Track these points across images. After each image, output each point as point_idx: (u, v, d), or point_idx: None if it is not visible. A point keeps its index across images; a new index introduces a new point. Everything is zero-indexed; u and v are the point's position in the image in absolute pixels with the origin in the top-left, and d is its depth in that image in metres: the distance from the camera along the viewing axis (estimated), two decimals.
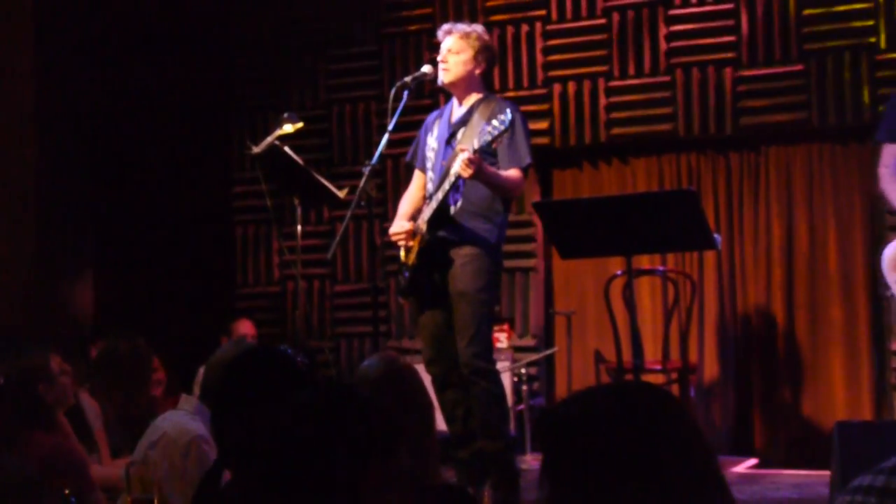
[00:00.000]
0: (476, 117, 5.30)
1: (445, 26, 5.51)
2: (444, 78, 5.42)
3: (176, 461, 3.43)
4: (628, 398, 1.76)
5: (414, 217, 5.47)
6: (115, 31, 8.12)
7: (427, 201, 5.41)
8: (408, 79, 5.51)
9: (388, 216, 7.21)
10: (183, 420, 3.48)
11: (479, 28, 5.51)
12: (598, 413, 1.72)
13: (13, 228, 7.45)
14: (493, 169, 5.18)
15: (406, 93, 5.45)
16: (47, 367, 4.00)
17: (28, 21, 7.50)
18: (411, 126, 6.09)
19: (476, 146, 5.00)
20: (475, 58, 5.40)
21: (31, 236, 7.49)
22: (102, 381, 5.09)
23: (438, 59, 5.44)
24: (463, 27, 5.46)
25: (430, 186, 5.44)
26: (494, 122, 4.97)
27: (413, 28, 7.72)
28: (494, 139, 4.99)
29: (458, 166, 4.99)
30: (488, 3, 7.56)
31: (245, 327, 7.29)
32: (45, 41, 7.58)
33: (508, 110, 5.05)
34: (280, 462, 2.04)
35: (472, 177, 5.02)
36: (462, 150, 5.03)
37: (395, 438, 2.06)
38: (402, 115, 5.45)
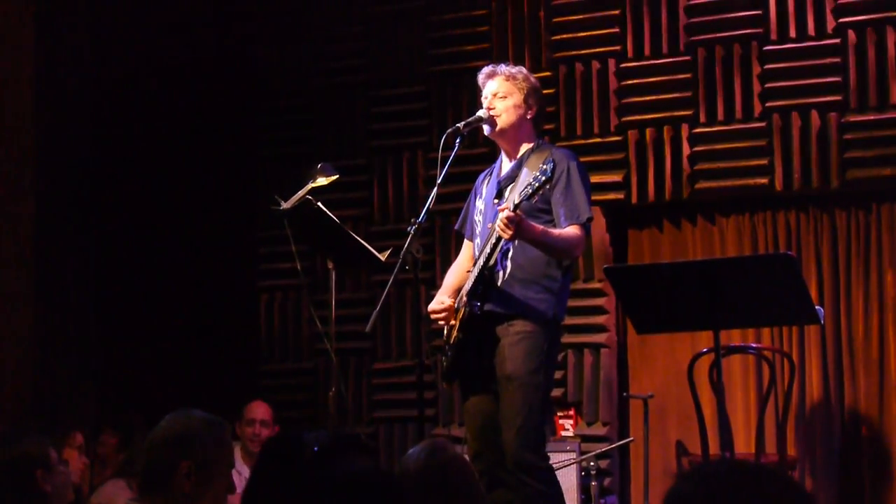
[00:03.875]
0: (525, 171, 5.26)
1: (486, 69, 5.57)
2: (493, 125, 5.47)
3: None
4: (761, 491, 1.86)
5: (459, 291, 5.46)
6: (129, 75, 8.28)
7: (472, 270, 5.40)
8: (461, 124, 5.50)
9: (437, 283, 7.24)
10: None
11: (523, 69, 5.59)
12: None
13: (13, 307, 7.60)
14: (540, 227, 5.16)
15: (458, 140, 5.46)
16: (46, 455, 4.16)
17: (27, 90, 7.72)
18: (464, 178, 6.12)
19: (516, 201, 5.00)
20: (526, 101, 5.45)
21: (30, 306, 7.63)
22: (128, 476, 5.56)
23: (485, 106, 5.48)
24: (506, 68, 5.52)
25: (476, 254, 5.44)
26: (535, 173, 4.98)
27: (467, 66, 7.64)
28: (535, 192, 4.96)
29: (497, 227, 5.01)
30: (553, 38, 7.61)
31: (259, 411, 7.28)
32: (47, 99, 7.78)
33: (553, 159, 5.05)
34: None
35: (512, 238, 5.03)
36: (502, 209, 5.02)
37: None
38: (453, 165, 5.46)
